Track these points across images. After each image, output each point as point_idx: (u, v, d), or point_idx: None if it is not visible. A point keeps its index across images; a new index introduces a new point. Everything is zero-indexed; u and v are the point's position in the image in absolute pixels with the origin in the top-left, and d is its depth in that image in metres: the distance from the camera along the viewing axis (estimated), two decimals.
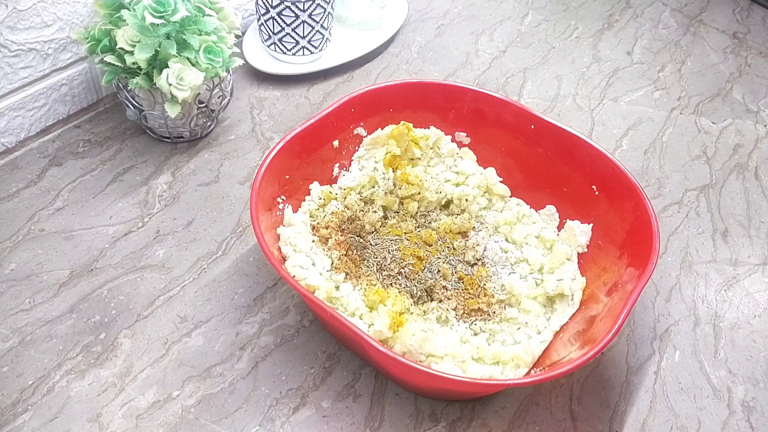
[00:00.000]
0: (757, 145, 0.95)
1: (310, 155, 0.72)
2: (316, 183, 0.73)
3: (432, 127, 0.77)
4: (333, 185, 0.75)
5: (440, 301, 0.66)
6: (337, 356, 0.65)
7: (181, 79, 0.72)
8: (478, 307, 0.66)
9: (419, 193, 0.73)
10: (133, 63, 0.72)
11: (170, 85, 0.72)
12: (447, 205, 0.76)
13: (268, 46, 0.95)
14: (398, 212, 0.74)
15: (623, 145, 0.93)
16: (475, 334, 0.65)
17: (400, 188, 0.74)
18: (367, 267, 0.68)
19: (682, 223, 0.83)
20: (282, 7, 0.88)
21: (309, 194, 0.72)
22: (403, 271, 0.67)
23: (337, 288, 0.64)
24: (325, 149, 0.73)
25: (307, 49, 0.94)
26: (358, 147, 0.77)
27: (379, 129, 0.76)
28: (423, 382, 0.60)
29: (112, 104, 0.88)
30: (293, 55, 0.94)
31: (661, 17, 1.20)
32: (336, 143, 0.74)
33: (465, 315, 0.66)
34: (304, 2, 0.88)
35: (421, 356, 0.59)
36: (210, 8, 0.77)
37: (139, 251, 0.72)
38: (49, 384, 0.60)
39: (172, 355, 0.63)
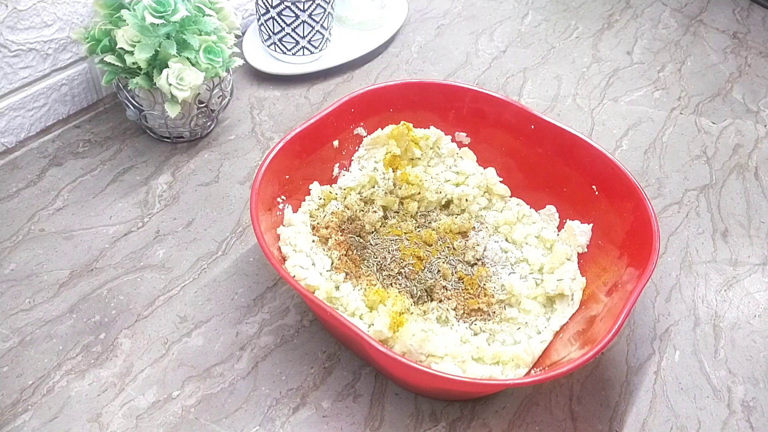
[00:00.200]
0: (757, 145, 0.95)
1: (310, 155, 0.72)
2: (316, 183, 0.73)
3: (432, 127, 0.77)
4: (333, 185, 0.75)
5: (440, 301, 0.66)
6: (337, 356, 0.65)
7: (181, 79, 0.72)
8: (478, 307, 0.66)
9: (419, 193, 0.74)
10: (133, 63, 0.72)
11: (170, 85, 0.72)
12: (447, 205, 0.76)
13: (268, 46, 0.95)
14: (398, 212, 0.74)
15: (623, 145, 0.93)
16: (475, 334, 0.65)
17: (400, 188, 0.74)
18: (367, 267, 0.68)
19: (682, 223, 0.83)
20: (282, 7, 0.88)
21: (309, 194, 0.72)
22: (403, 271, 0.67)
23: (337, 288, 0.64)
24: (325, 149, 0.73)
25: (307, 49, 0.94)
26: (358, 147, 0.77)
27: (379, 129, 0.76)
28: (423, 382, 0.60)
29: (112, 104, 0.88)
30: (293, 55, 0.94)
31: (661, 17, 1.20)
32: (336, 143, 0.74)
33: (465, 315, 0.66)
34: (304, 2, 0.88)
35: (421, 356, 0.59)
36: (210, 8, 0.77)
37: (139, 251, 0.72)
38: (49, 384, 0.60)
39: (172, 355, 0.63)
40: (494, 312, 0.66)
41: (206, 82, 0.78)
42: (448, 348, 0.59)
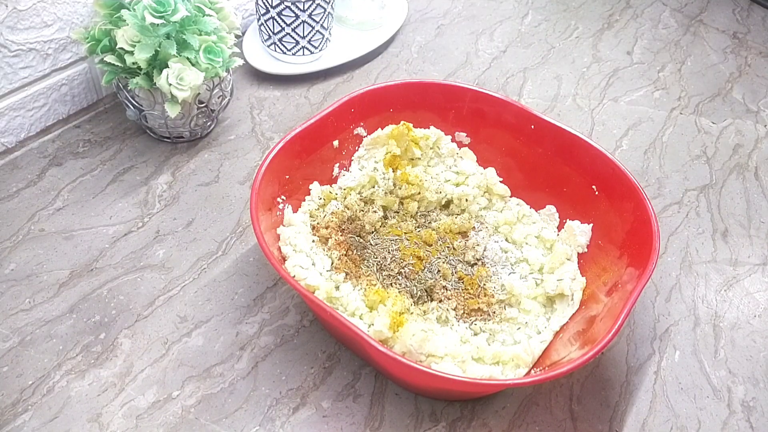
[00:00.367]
0: (757, 145, 0.95)
1: (310, 155, 0.72)
2: (316, 183, 0.73)
3: (432, 127, 0.77)
4: (333, 185, 0.75)
5: (440, 301, 0.66)
6: (337, 356, 0.65)
7: (181, 79, 0.72)
8: (478, 307, 0.66)
9: (419, 193, 0.74)
10: (133, 63, 0.72)
11: (170, 85, 0.72)
12: (447, 205, 0.76)
13: (268, 46, 0.95)
14: (398, 212, 0.74)
15: (623, 145, 0.93)
16: (475, 334, 0.65)
17: (400, 188, 0.74)
18: (367, 267, 0.68)
19: (682, 223, 0.83)
20: (282, 7, 0.88)
21: (309, 194, 0.72)
22: (403, 271, 0.67)
23: (337, 288, 0.64)
24: (325, 149, 0.73)
25: (307, 49, 0.94)
26: (358, 147, 0.77)
27: (379, 129, 0.76)
28: (423, 382, 0.60)
29: (112, 104, 0.88)
30: (293, 55, 0.94)
31: (661, 17, 1.20)
32: (336, 143, 0.74)
33: (465, 315, 0.66)
34: (304, 2, 0.88)
35: (421, 356, 0.59)
36: (210, 8, 0.77)
37: (139, 251, 0.72)
38: (49, 384, 0.60)
39: (172, 355, 0.63)
40: (494, 312, 0.66)
41: (206, 82, 0.78)
42: (448, 348, 0.59)
